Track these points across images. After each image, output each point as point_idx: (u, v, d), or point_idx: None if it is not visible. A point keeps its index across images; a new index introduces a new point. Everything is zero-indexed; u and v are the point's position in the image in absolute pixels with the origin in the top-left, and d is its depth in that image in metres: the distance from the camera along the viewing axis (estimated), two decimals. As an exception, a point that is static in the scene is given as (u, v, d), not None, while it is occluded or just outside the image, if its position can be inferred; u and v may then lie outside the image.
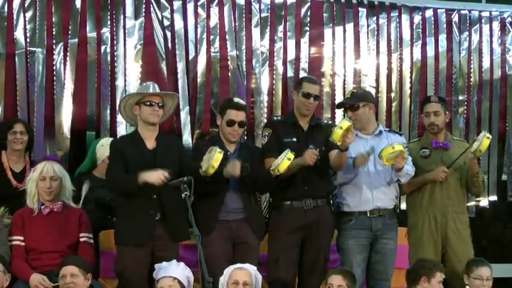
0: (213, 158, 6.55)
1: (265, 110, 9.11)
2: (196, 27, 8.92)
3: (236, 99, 7.44)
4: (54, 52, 8.48)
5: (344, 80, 9.38)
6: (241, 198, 7.09)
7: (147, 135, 6.95)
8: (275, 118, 7.61)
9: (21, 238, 6.89)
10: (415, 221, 7.55)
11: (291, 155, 6.74)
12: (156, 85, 7.14)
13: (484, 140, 7.32)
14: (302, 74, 9.11)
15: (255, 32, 9.12)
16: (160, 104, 6.96)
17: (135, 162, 6.81)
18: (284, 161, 6.74)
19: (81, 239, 7.01)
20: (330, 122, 7.60)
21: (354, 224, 7.31)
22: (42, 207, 6.98)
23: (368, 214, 7.34)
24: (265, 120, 8.94)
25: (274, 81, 9.17)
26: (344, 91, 9.30)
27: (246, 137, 8.60)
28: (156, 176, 6.58)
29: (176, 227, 6.76)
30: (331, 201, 7.39)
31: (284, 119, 7.51)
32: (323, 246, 7.35)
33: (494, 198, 9.73)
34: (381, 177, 7.43)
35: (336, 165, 7.28)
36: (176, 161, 6.92)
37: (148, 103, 6.89)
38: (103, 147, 7.85)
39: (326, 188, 7.37)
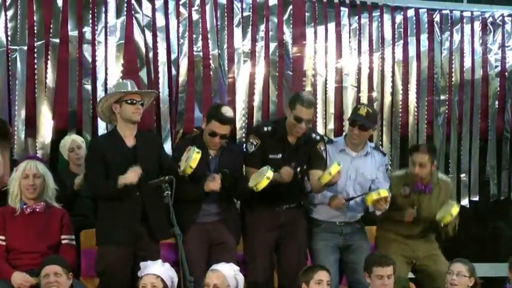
0: (191, 158, 6.62)
1: (246, 109, 9.14)
2: (178, 26, 8.94)
3: (224, 110, 7.26)
4: (35, 51, 8.47)
5: (326, 79, 9.41)
6: (219, 201, 7.14)
7: (127, 133, 6.96)
8: (265, 129, 7.35)
9: (2, 238, 6.89)
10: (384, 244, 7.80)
11: (270, 174, 6.82)
12: (133, 83, 7.16)
13: (452, 210, 7.58)
14: (287, 78, 9.28)
15: (237, 31, 9.14)
16: (141, 102, 6.99)
17: (116, 161, 6.84)
18: (263, 180, 6.83)
19: (63, 241, 7.01)
20: (319, 137, 7.50)
21: (324, 227, 7.51)
22: (24, 206, 6.98)
23: (337, 223, 7.56)
24: (245, 118, 9.12)
25: (255, 81, 9.19)
26: (325, 90, 9.38)
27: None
28: (132, 175, 6.64)
29: (157, 226, 6.80)
30: (303, 203, 7.56)
31: (273, 131, 7.35)
32: (302, 245, 7.45)
33: (475, 198, 9.88)
34: (358, 205, 7.66)
35: (316, 190, 7.40)
36: (156, 157, 6.97)
37: (129, 101, 6.90)
38: (63, 148, 8.08)
39: (298, 197, 7.51)
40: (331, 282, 6.89)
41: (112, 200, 6.80)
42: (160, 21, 8.87)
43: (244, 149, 7.51)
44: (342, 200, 7.37)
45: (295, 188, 7.35)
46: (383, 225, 7.85)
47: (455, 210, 7.60)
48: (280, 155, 7.23)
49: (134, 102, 6.90)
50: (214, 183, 6.89)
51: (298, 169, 7.21)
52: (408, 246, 7.68)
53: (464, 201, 9.75)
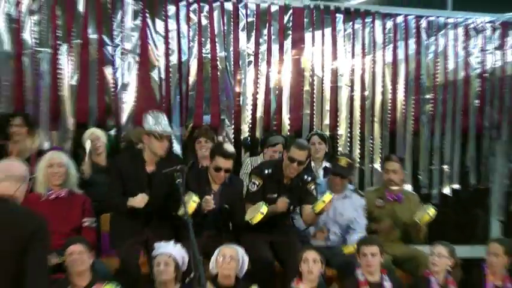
0: (189, 205, 6.60)
1: (250, 106, 9.20)
2: (188, 31, 8.96)
3: (226, 146, 7.40)
4: (58, 52, 8.50)
5: (322, 79, 9.45)
6: (216, 228, 7.34)
7: (150, 160, 7.13)
8: (266, 172, 7.44)
9: (29, 221, 7.09)
10: None
11: (265, 210, 6.99)
12: (166, 120, 7.15)
13: (425, 216, 7.71)
14: (286, 78, 9.32)
15: (242, 35, 9.17)
16: (169, 139, 7.22)
17: (131, 182, 7.04)
18: (258, 215, 7.00)
19: (84, 224, 7.11)
20: (310, 178, 7.52)
21: None
22: (49, 192, 7.08)
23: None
24: (250, 116, 9.14)
25: (258, 80, 9.23)
26: (322, 89, 9.42)
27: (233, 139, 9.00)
28: (139, 201, 6.84)
29: (161, 234, 6.95)
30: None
31: (272, 173, 7.47)
32: (295, 241, 7.60)
33: (456, 186, 9.93)
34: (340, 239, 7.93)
35: (308, 223, 7.57)
36: (168, 186, 6.86)
37: (158, 137, 7.02)
38: (85, 139, 8.09)
39: (287, 222, 7.80)
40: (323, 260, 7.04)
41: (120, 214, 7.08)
42: (172, 26, 8.88)
43: (247, 187, 7.57)
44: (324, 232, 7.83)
45: (285, 219, 7.66)
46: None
47: (431, 211, 7.73)
48: (275, 195, 7.41)
49: (161, 139, 7.03)
50: (208, 204, 7.02)
51: (292, 206, 7.48)
52: (388, 248, 7.62)
53: (447, 190, 9.89)
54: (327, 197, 7.12)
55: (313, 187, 7.56)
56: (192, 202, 6.62)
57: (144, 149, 7.15)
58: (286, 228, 7.68)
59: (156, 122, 7.07)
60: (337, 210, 7.83)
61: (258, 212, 7.03)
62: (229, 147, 7.46)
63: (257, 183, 7.45)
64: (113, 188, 7.08)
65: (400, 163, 8.21)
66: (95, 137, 8.14)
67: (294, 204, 7.52)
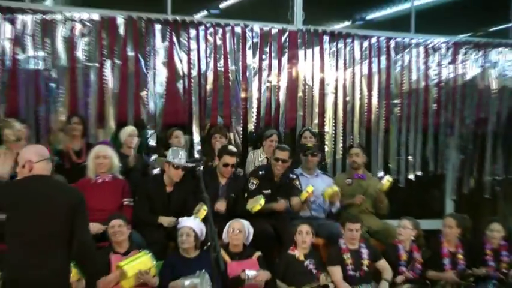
0: (200, 212, 6.81)
1: (255, 109, 9.11)
2: (206, 49, 8.88)
3: (230, 147, 7.76)
4: (104, 66, 8.47)
5: (312, 87, 9.36)
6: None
7: (168, 182, 7.31)
8: (260, 173, 7.75)
9: (82, 199, 7.11)
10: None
11: (262, 201, 7.28)
12: (184, 154, 7.36)
13: (386, 183, 8.05)
14: (283, 87, 9.25)
15: (249, 52, 9.07)
16: (183, 168, 7.25)
17: (156, 200, 7.26)
18: (257, 206, 7.27)
19: (124, 203, 7.19)
20: (295, 176, 7.85)
21: None
22: (97, 177, 7.18)
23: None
24: (255, 117, 9.07)
25: (262, 88, 9.15)
26: (312, 95, 9.36)
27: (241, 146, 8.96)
28: (168, 221, 7.08)
29: None
30: None
31: (264, 174, 7.73)
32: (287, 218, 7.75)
33: (419, 173, 9.87)
34: (319, 207, 7.97)
35: (296, 210, 7.76)
36: (184, 201, 7.26)
37: (175, 167, 7.20)
38: (124, 134, 8.06)
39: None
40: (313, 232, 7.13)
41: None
42: (193, 45, 8.82)
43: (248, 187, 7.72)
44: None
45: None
46: (341, 216, 7.98)
47: (390, 179, 8.10)
48: (269, 190, 7.62)
49: (177, 168, 7.19)
50: (221, 205, 7.31)
51: (287, 201, 7.65)
52: (363, 221, 7.66)
53: (411, 176, 9.83)
54: (309, 188, 7.60)
55: (297, 182, 7.80)
56: (203, 210, 6.75)
57: (165, 175, 7.33)
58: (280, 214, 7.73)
59: (175, 155, 7.25)
60: (314, 185, 7.81)
61: (257, 203, 7.27)
62: (233, 148, 7.82)
63: (255, 182, 7.66)
64: (142, 204, 7.26)
65: (360, 149, 8.44)
66: (134, 133, 8.11)
67: (283, 198, 7.67)
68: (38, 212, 4.71)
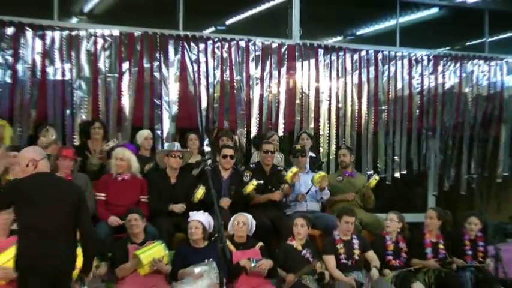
0: (199, 192, 6.98)
1: (257, 114, 9.07)
2: (214, 61, 8.86)
3: (227, 143, 7.87)
4: (122, 76, 8.46)
5: (308, 95, 9.31)
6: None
7: (171, 175, 7.29)
8: (252, 166, 7.83)
9: (103, 195, 7.01)
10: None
11: (255, 182, 7.32)
12: (178, 144, 7.52)
13: (373, 181, 7.97)
14: (282, 94, 9.21)
15: (252, 64, 9.03)
16: (180, 156, 7.27)
17: (163, 192, 7.17)
18: (250, 186, 7.31)
19: (141, 200, 7.09)
20: (283, 168, 7.82)
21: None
22: (117, 175, 7.08)
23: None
24: (257, 121, 9.06)
25: (263, 96, 9.10)
26: (308, 102, 9.32)
27: (245, 141, 9.00)
28: (179, 208, 7.07)
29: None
30: None
31: (256, 167, 7.75)
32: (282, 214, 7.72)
33: (404, 171, 9.85)
34: (313, 198, 7.83)
35: (285, 193, 7.60)
36: (187, 190, 7.14)
37: (173, 156, 7.23)
38: (140, 137, 8.02)
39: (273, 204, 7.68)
40: (310, 223, 7.09)
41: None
42: (202, 58, 8.81)
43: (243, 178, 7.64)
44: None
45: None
46: (333, 208, 7.99)
47: (377, 178, 7.99)
48: (262, 181, 7.53)
49: (175, 156, 7.23)
50: (225, 203, 7.24)
51: (273, 189, 7.60)
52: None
53: (397, 174, 9.81)
54: (293, 169, 7.58)
55: (284, 173, 7.69)
56: (201, 190, 6.98)
57: (167, 168, 7.31)
58: (275, 208, 7.69)
59: (170, 146, 7.51)
60: (305, 181, 7.77)
61: (250, 184, 7.32)
62: (229, 143, 8.00)
63: (248, 174, 7.59)
64: (154, 196, 7.18)
65: (347, 150, 8.35)
66: (150, 136, 8.10)
67: (274, 187, 7.60)
68: (50, 206, 4.76)
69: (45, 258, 4.70)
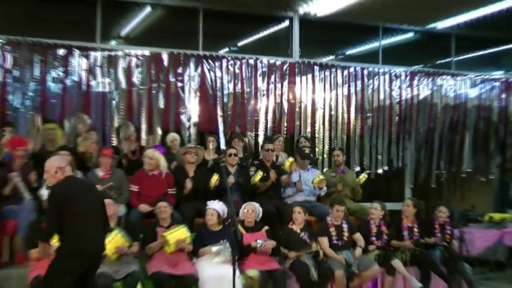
0: (213, 179, 7.00)
1: (263, 120, 9.04)
2: (228, 76, 8.85)
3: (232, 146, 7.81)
4: (152, 89, 8.47)
5: (306, 104, 9.27)
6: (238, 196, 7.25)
7: (189, 169, 7.29)
8: (255, 162, 7.78)
9: (137, 187, 7.03)
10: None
11: (261, 172, 7.29)
12: (193, 143, 7.75)
13: (362, 178, 7.92)
14: (284, 104, 9.17)
15: (260, 78, 9.01)
16: (195, 154, 7.31)
17: (182, 184, 7.11)
18: (257, 176, 7.28)
19: (169, 192, 7.07)
20: (282, 165, 7.71)
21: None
22: (148, 171, 7.09)
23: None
24: (264, 125, 9.01)
25: (268, 106, 9.07)
26: (306, 110, 9.26)
27: (253, 147, 8.93)
28: (187, 187, 7.08)
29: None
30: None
31: (259, 162, 7.74)
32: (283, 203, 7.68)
33: (385, 168, 9.79)
34: (310, 192, 7.76)
35: (284, 183, 7.61)
36: (204, 181, 7.12)
37: (189, 153, 7.30)
38: (169, 139, 8.07)
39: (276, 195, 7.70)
40: (307, 210, 7.09)
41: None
42: (218, 73, 8.79)
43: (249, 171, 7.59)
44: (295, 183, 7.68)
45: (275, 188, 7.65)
46: (327, 198, 7.90)
47: (365, 175, 7.98)
48: (265, 174, 7.41)
49: (190, 153, 7.31)
50: (230, 180, 7.13)
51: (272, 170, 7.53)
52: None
53: (380, 170, 9.75)
54: (290, 159, 7.68)
55: (282, 166, 7.66)
56: (215, 178, 7.02)
57: (185, 165, 7.32)
58: (278, 198, 7.68)
59: (187, 145, 7.67)
60: (306, 177, 7.75)
61: (257, 175, 7.28)
62: (239, 144, 8.01)
63: (253, 169, 7.52)
64: (178, 189, 7.14)
65: (340, 151, 8.30)
66: (176, 139, 8.10)
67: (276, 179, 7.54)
68: (88, 202, 4.82)
69: (95, 242, 4.81)
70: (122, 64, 8.38)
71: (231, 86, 8.89)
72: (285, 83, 9.21)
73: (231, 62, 8.92)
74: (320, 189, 7.71)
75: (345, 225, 7.17)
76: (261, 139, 8.93)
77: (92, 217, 4.78)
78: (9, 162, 6.67)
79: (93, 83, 8.22)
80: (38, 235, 5.32)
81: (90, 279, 4.83)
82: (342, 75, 9.53)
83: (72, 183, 4.88)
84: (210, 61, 8.79)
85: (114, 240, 5.91)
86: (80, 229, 4.69)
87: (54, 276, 4.62)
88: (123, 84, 8.38)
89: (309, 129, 9.32)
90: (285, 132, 9.18)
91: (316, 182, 7.56)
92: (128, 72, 8.40)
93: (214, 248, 6.36)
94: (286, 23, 9.40)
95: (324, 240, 6.99)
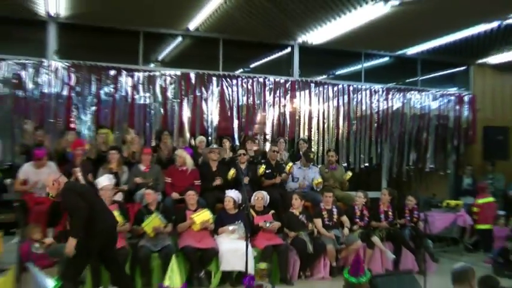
0: (231, 172, 6.89)
1: (270, 129, 8.95)
2: (242, 90, 8.79)
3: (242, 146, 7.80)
4: (183, 101, 8.44)
5: (304, 114, 9.20)
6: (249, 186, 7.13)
7: (213, 165, 7.21)
8: (263, 161, 7.59)
9: (170, 179, 7.00)
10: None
11: (264, 166, 7.24)
12: (214, 145, 7.59)
13: (347, 175, 7.80)
14: (287, 113, 9.05)
15: (267, 93, 8.94)
16: (217, 153, 7.24)
17: (208, 176, 7.06)
18: (261, 168, 7.23)
19: (195, 183, 7.01)
20: (284, 164, 7.62)
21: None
22: (179, 167, 7.07)
23: None
24: (270, 130, 8.89)
25: (274, 115, 9.00)
26: (304, 119, 9.19)
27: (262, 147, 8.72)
28: (217, 181, 6.99)
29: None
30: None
31: (265, 161, 7.56)
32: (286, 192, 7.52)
33: (366, 164, 9.68)
34: (308, 186, 7.67)
35: (283, 179, 7.49)
36: (224, 174, 7.06)
37: (212, 152, 7.25)
38: (197, 141, 7.94)
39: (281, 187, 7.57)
40: (304, 199, 7.02)
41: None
42: (234, 89, 8.75)
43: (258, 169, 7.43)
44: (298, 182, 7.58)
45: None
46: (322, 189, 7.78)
47: (350, 173, 7.89)
48: (270, 170, 7.37)
49: (213, 152, 7.24)
50: (246, 179, 7.01)
51: (277, 174, 7.42)
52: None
53: (362, 166, 9.63)
54: (290, 163, 7.51)
55: (284, 165, 7.56)
56: (232, 171, 6.93)
57: (210, 161, 7.24)
58: (282, 188, 7.57)
59: (211, 146, 7.57)
60: (308, 174, 7.68)
61: (261, 167, 7.23)
62: (254, 145, 7.88)
63: (260, 166, 7.39)
64: (204, 180, 7.06)
65: (333, 152, 8.21)
66: (203, 141, 8.04)
67: (278, 174, 7.41)
68: (94, 193, 5.05)
69: (111, 221, 4.92)
70: (159, 82, 8.36)
71: (245, 99, 8.83)
72: (288, 97, 9.14)
73: (245, 80, 8.87)
74: (318, 187, 7.67)
75: (334, 210, 7.16)
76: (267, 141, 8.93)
77: (100, 204, 4.90)
78: (73, 159, 6.75)
79: (136, 97, 8.23)
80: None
81: (109, 251, 4.88)
82: (333, 90, 9.45)
83: (73, 185, 4.94)
84: (228, 79, 8.74)
85: (153, 222, 5.90)
86: (101, 214, 4.77)
87: (82, 252, 4.63)
88: (160, 98, 8.35)
89: (306, 133, 9.24)
90: (287, 135, 9.13)
91: (316, 183, 7.58)
92: (164, 88, 8.38)
93: (231, 227, 6.38)
94: (288, 49, 9.30)
95: (318, 221, 7.00)
